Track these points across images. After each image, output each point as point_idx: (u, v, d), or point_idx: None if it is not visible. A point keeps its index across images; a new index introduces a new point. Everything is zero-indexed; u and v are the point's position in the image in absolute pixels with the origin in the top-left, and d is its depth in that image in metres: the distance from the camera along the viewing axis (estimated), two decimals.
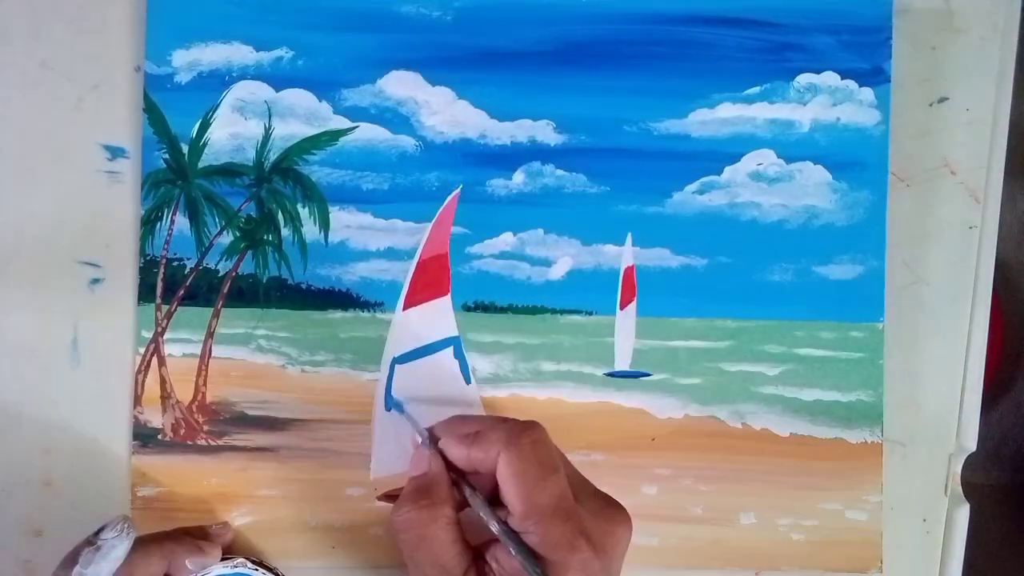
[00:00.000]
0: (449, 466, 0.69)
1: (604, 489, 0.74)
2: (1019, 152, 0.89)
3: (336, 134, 0.79)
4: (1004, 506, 1.55)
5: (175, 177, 0.79)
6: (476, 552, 0.67)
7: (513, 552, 0.63)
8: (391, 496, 0.78)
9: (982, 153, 0.82)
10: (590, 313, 0.80)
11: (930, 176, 0.82)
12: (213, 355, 0.79)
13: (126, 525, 0.68)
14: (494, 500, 0.67)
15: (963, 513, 0.83)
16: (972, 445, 0.83)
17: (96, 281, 0.79)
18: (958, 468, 0.83)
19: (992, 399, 1.62)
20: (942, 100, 0.83)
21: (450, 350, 0.80)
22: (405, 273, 0.79)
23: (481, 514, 0.66)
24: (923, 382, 0.83)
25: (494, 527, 0.65)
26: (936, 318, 0.83)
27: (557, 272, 0.80)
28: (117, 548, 0.66)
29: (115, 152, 0.79)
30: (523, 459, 0.64)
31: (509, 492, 0.64)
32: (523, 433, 0.65)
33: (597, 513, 0.65)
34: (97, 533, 0.67)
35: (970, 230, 0.82)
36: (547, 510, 0.62)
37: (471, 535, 0.67)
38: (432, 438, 0.70)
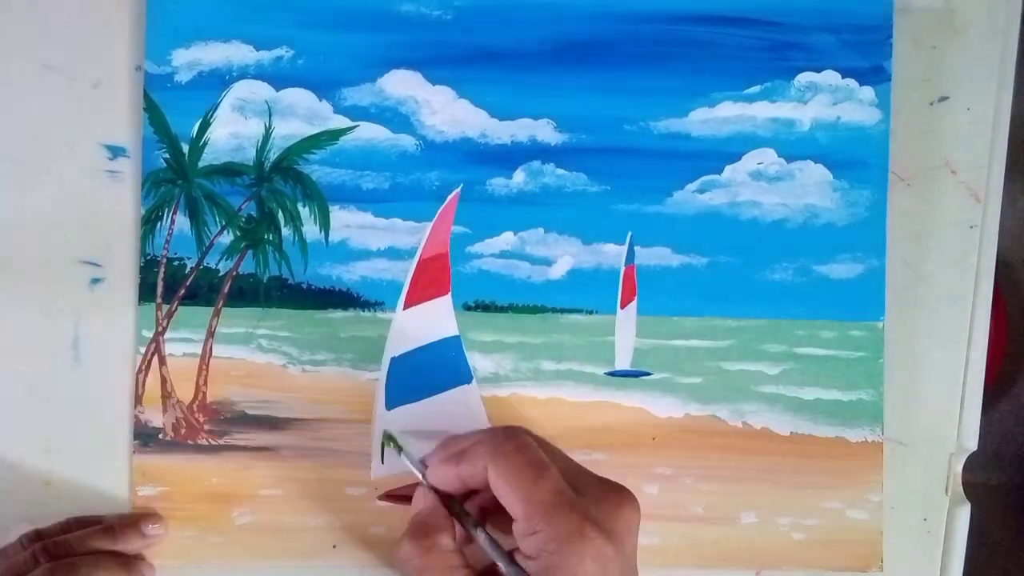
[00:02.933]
0: (449, 496, 0.70)
1: None
2: (1020, 151, 0.89)
3: (336, 133, 0.79)
4: (1005, 506, 1.55)
5: (175, 176, 0.79)
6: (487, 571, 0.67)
7: None
8: (392, 496, 0.78)
9: (983, 152, 0.82)
10: (591, 312, 0.80)
11: (931, 175, 0.82)
12: (214, 354, 0.79)
13: None
14: (499, 519, 0.67)
15: (964, 513, 0.82)
16: (973, 445, 0.83)
17: (96, 281, 0.79)
18: (959, 468, 0.83)
19: (993, 398, 1.62)
20: (943, 99, 0.83)
21: (451, 350, 0.80)
22: (405, 272, 0.79)
23: (487, 551, 0.66)
24: (924, 381, 0.82)
25: (502, 565, 0.65)
26: (937, 317, 0.82)
27: (558, 271, 0.80)
28: None
29: (116, 151, 0.79)
30: (511, 464, 0.64)
31: (507, 498, 0.64)
32: (506, 441, 0.66)
33: (601, 499, 0.65)
34: None
35: (971, 229, 0.82)
36: (548, 505, 0.62)
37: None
38: (425, 468, 0.71)
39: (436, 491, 0.70)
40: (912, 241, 0.82)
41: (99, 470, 0.79)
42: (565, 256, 0.80)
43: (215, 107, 0.79)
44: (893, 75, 0.81)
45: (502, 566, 0.65)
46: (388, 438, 0.77)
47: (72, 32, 0.80)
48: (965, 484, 0.83)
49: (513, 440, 0.66)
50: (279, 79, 0.79)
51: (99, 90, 0.80)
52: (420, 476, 0.71)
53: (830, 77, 0.81)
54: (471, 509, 0.69)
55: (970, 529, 0.83)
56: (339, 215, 0.79)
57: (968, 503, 0.82)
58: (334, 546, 0.79)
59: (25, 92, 0.79)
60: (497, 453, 0.65)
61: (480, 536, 0.67)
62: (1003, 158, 0.83)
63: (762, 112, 0.81)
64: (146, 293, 0.79)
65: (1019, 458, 1.60)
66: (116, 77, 0.80)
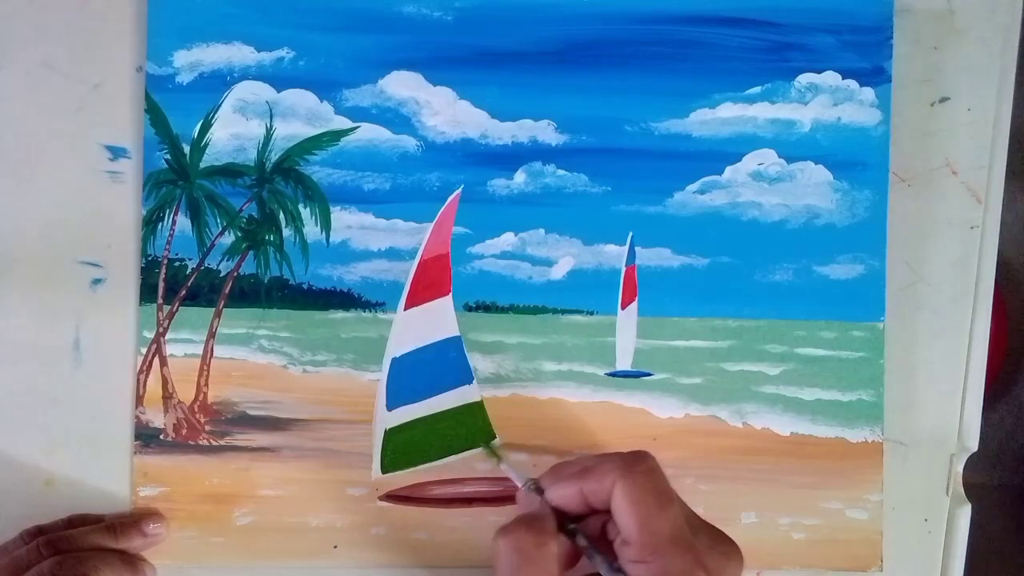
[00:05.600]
0: (565, 514, 0.66)
1: None
2: (1021, 152, 0.89)
3: (337, 134, 0.80)
4: (1005, 506, 1.55)
5: (176, 177, 0.79)
6: None
7: None
8: (394, 496, 0.78)
9: (984, 153, 0.82)
10: (591, 313, 0.80)
11: (932, 176, 0.82)
12: (215, 355, 0.79)
13: None
14: (602, 544, 0.65)
15: (964, 513, 0.82)
16: (974, 445, 0.83)
17: (97, 281, 0.79)
18: (960, 468, 0.83)
19: (994, 399, 1.62)
20: (943, 100, 0.83)
21: (451, 350, 0.80)
22: (406, 273, 0.80)
23: (594, 560, 0.64)
24: (925, 382, 0.83)
25: (603, 568, 0.63)
26: (938, 318, 0.83)
27: (558, 272, 0.80)
28: None
29: (116, 152, 0.79)
30: (640, 487, 0.62)
31: (627, 521, 0.62)
32: (638, 462, 0.64)
33: (711, 547, 0.64)
34: None
35: (972, 230, 0.82)
36: (667, 540, 0.61)
37: None
38: (538, 488, 0.68)
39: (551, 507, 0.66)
40: (913, 242, 0.82)
41: (100, 470, 0.79)
42: (566, 257, 0.80)
43: (216, 108, 0.79)
44: (894, 76, 0.81)
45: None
46: (489, 449, 0.78)
47: (72, 32, 0.80)
48: (965, 484, 0.83)
49: (644, 462, 0.64)
50: (280, 80, 0.79)
51: (100, 90, 0.80)
52: (527, 487, 0.68)
53: (830, 78, 0.81)
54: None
55: (971, 529, 0.83)
56: (340, 216, 0.80)
57: (969, 503, 0.82)
58: (335, 546, 0.79)
59: (26, 92, 0.79)
60: (628, 472, 0.63)
61: (599, 561, 0.64)
62: (1004, 159, 0.83)
63: (762, 113, 0.81)
64: (147, 294, 0.79)
65: (1020, 458, 1.60)
66: (117, 78, 0.80)
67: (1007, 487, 1.60)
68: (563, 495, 0.66)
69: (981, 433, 0.83)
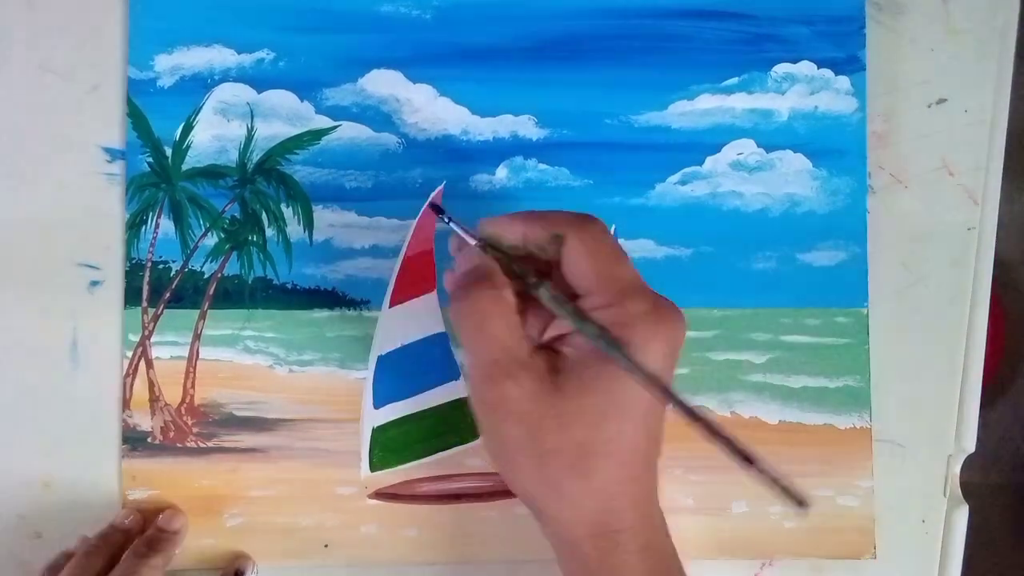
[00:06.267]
0: (503, 254, 0.62)
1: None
2: (1018, 153, 0.88)
3: (318, 133, 0.80)
4: (1003, 506, 1.54)
5: (159, 180, 0.80)
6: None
7: (589, 335, 0.58)
8: (383, 494, 0.78)
9: (981, 154, 0.82)
10: None
11: (929, 177, 0.82)
12: (200, 357, 0.79)
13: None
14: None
15: (962, 514, 0.82)
16: (971, 446, 0.82)
17: (96, 283, 0.80)
18: (957, 469, 0.82)
19: (991, 399, 1.60)
20: (941, 101, 0.83)
21: (437, 347, 0.80)
22: (390, 270, 0.80)
23: (547, 302, 0.60)
24: (922, 383, 0.82)
25: (566, 311, 0.59)
26: (935, 319, 0.82)
27: None
28: None
29: (114, 154, 0.80)
30: (597, 239, 0.60)
31: (585, 269, 0.59)
32: (589, 219, 0.61)
33: (664, 304, 0.60)
34: None
35: (969, 231, 0.82)
36: (628, 285, 0.59)
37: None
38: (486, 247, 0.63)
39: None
40: (910, 243, 0.82)
41: (95, 473, 0.79)
42: None
43: (198, 110, 0.80)
44: (892, 77, 0.82)
45: (571, 321, 0.59)
46: (438, 209, 0.72)
47: (70, 34, 0.81)
48: (963, 485, 0.82)
49: (598, 222, 0.61)
50: (261, 81, 0.80)
51: (97, 92, 0.81)
52: (472, 240, 0.63)
53: (806, 68, 0.81)
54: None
55: (968, 529, 0.82)
56: (323, 215, 0.80)
57: (966, 504, 0.82)
58: (325, 545, 0.79)
59: (24, 94, 0.81)
60: (582, 226, 0.60)
61: (544, 293, 0.60)
62: (1001, 160, 0.83)
63: (740, 103, 0.81)
64: (132, 297, 0.79)
65: (1017, 458, 1.59)
66: (114, 79, 0.81)
67: (1004, 487, 1.59)
68: (507, 234, 0.63)
69: (978, 434, 0.82)
